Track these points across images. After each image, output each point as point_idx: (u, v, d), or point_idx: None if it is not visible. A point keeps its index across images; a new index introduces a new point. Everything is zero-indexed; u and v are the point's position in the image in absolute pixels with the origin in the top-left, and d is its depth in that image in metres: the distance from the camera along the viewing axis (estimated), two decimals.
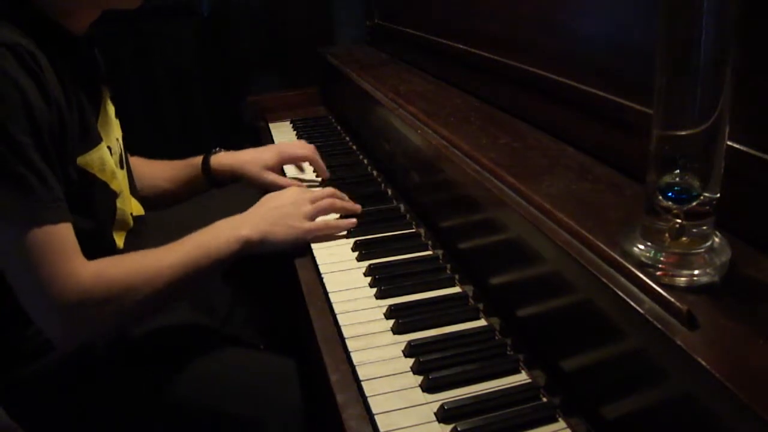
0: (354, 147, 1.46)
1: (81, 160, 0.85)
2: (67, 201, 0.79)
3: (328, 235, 1.00)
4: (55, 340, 0.81)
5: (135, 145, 1.15)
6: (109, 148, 0.93)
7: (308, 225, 0.97)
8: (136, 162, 1.15)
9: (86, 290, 0.77)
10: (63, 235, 0.77)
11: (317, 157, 1.25)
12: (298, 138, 1.56)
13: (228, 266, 0.91)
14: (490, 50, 1.12)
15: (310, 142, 1.50)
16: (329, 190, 1.07)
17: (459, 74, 1.26)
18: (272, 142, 1.56)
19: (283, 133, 1.61)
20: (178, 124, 3.47)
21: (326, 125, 1.66)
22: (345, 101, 1.64)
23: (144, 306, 0.83)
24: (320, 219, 1.02)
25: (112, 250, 0.93)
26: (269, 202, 0.99)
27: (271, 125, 1.69)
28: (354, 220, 1.02)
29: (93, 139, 0.89)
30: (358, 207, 1.06)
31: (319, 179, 1.26)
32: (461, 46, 1.24)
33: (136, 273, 0.82)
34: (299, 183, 1.20)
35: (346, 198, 1.07)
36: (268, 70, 3.58)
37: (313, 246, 1.00)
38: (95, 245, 0.84)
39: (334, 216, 1.05)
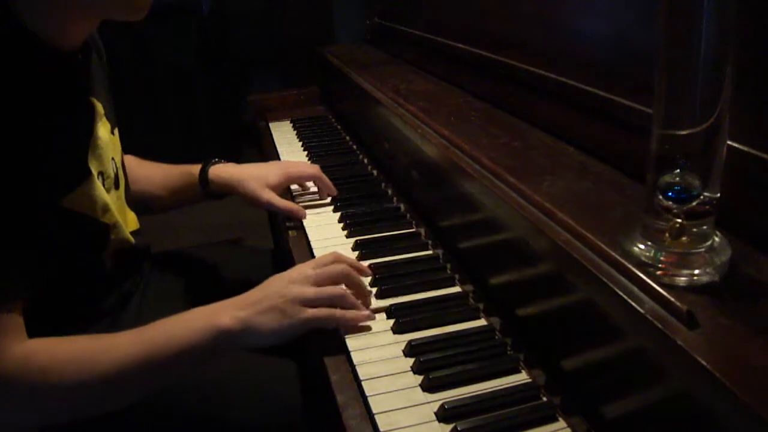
0: (354, 146, 1.46)
1: (66, 201, 0.79)
2: (49, 243, 0.74)
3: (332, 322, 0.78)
4: None
5: (135, 145, 1.14)
6: (101, 173, 0.86)
7: (306, 313, 0.75)
8: (129, 162, 1.09)
9: (7, 375, 0.68)
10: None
11: (323, 175, 1.17)
12: (298, 138, 1.56)
13: (205, 363, 0.77)
14: (490, 50, 1.12)
15: (310, 142, 1.51)
16: (339, 268, 0.81)
17: (459, 73, 1.26)
18: (272, 141, 1.55)
19: (283, 133, 1.61)
20: (178, 123, 3.48)
21: (326, 125, 1.66)
22: (345, 101, 1.64)
23: (84, 402, 0.73)
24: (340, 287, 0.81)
25: (103, 275, 0.89)
26: (268, 284, 0.80)
27: (271, 125, 1.69)
28: (369, 312, 0.80)
29: (80, 174, 0.81)
30: (365, 308, 0.81)
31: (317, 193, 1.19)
32: (461, 46, 1.24)
33: (73, 361, 0.71)
34: (299, 208, 1.10)
35: (362, 283, 0.83)
36: (268, 69, 3.58)
37: (313, 246, 1.00)
38: (84, 274, 0.82)
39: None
